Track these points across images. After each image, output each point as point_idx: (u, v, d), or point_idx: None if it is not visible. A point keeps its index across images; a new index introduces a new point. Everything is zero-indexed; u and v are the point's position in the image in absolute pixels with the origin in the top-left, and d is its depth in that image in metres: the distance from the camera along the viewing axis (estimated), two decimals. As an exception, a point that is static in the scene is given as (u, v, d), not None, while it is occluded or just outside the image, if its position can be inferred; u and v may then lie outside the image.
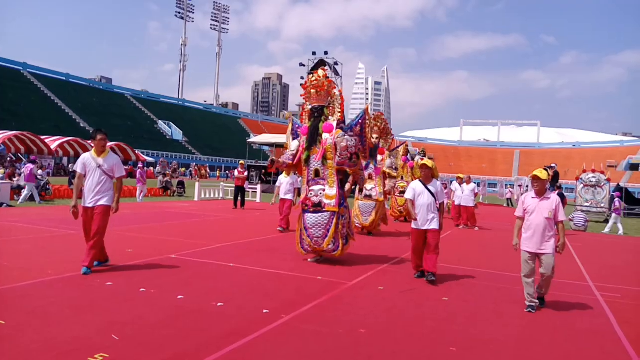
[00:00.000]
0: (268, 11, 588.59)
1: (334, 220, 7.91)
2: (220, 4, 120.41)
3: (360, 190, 12.32)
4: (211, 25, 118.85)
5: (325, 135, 8.11)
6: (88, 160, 6.81)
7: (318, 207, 8.00)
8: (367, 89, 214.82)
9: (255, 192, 24.33)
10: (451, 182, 22.06)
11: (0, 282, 5.75)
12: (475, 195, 16.05)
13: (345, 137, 8.04)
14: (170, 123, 79.04)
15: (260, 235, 11.24)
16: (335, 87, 8.56)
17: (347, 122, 8.93)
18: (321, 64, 40.41)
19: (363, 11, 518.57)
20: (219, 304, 5.33)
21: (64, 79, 75.36)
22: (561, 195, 15.95)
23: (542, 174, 5.98)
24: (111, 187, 6.85)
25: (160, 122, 78.94)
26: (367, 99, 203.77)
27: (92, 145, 6.91)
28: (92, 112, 67.88)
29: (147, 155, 57.72)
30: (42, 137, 42.30)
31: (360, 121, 8.63)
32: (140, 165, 22.11)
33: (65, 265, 6.88)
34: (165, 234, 10.56)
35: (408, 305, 5.86)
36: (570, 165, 63.85)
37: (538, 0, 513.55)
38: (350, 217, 8.49)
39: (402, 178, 16.87)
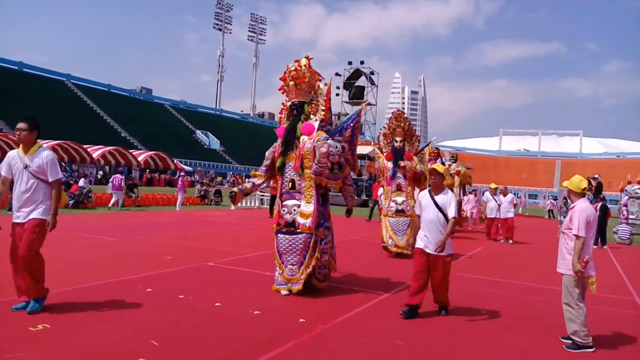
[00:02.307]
0: (304, 22, 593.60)
1: (311, 245, 6.41)
2: (257, 15, 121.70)
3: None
4: (248, 36, 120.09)
5: (303, 138, 6.61)
6: (13, 159, 5.09)
7: (291, 227, 6.48)
8: (403, 98, 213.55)
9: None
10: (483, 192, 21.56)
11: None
12: (515, 206, 15.64)
13: (328, 141, 6.47)
14: (208, 133, 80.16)
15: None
16: (320, 80, 6.98)
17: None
18: (357, 73, 40.24)
19: (399, 20, 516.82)
20: (256, 312, 5.37)
21: (106, 89, 77.35)
22: (604, 207, 15.47)
23: (567, 183, 5.12)
24: (46, 194, 5.09)
25: (198, 131, 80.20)
26: (404, 109, 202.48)
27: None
28: (133, 122, 69.44)
29: (185, 164, 58.64)
30: (85, 146, 43.53)
31: (352, 124, 7.18)
32: (182, 173, 22.53)
33: (105, 271, 7.06)
34: (203, 242, 10.71)
35: (444, 317, 5.77)
36: (614, 176, 61.71)
37: (580, 8, 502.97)
38: (333, 241, 7.01)
39: None
